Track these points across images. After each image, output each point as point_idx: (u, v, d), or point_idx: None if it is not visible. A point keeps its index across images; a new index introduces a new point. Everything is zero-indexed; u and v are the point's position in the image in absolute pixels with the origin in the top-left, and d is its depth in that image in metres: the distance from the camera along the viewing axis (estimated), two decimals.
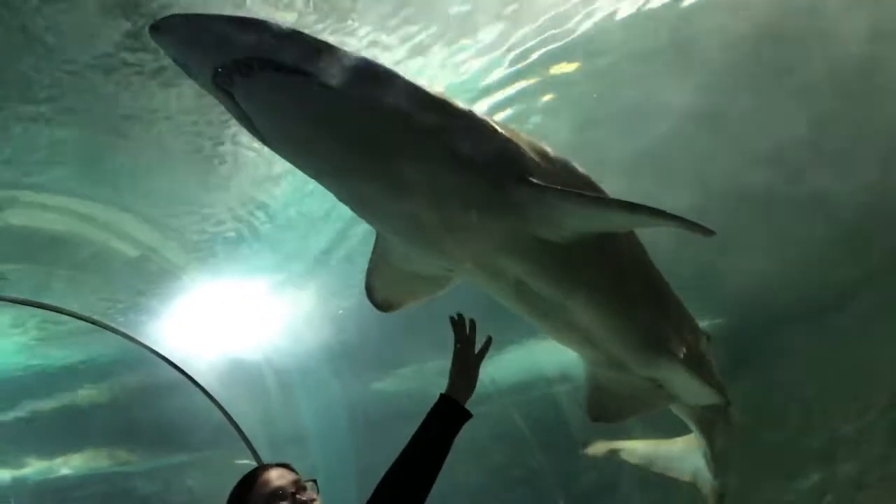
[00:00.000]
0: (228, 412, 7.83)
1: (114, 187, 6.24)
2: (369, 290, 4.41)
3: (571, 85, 6.51)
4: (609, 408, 4.90)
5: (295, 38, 3.20)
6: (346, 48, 3.31)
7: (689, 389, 4.71)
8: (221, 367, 8.15)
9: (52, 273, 7.36)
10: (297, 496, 2.68)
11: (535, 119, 6.72)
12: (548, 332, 4.42)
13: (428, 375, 9.14)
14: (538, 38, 5.89)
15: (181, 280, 7.44)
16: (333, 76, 3.18)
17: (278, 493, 2.70)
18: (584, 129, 6.75)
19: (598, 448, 6.36)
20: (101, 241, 6.91)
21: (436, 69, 5.70)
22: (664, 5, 5.96)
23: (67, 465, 11.69)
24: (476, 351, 2.97)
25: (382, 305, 4.48)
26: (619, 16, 5.92)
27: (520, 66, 6.13)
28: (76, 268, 7.17)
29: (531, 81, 6.34)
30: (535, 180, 3.53)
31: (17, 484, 11.30)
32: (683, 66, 6.46)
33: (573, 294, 4.01)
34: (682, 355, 4.51)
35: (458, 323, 3.03)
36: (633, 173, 6.97)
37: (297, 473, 2.79)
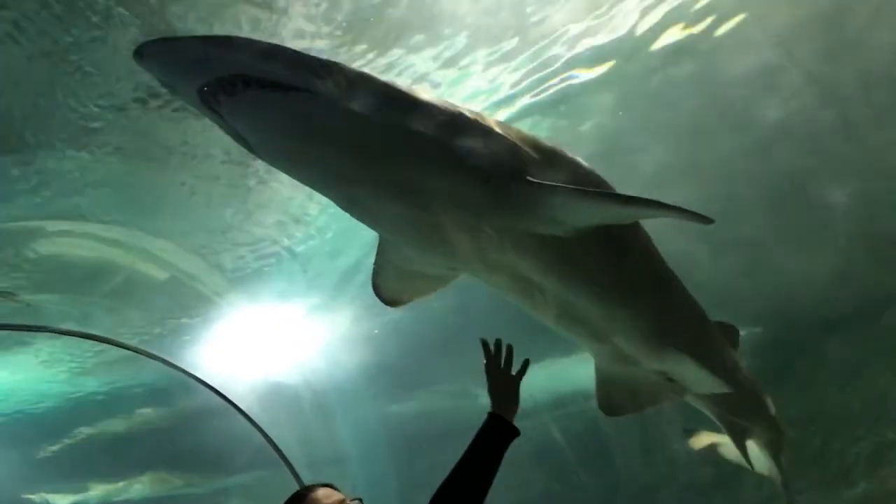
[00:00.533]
0: (269, 435, 7.90)
1: (152, 215, 6.38)
2: (376, 289, 4.46)
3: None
4: (620, 402, 4.90)
5: (275, 52, 3.24)
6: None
7: (699, 381, 4.64)
8: (260, 390, 8.24)
9: (93, 302, 7.52)
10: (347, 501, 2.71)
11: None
12: (556, 327, 4.39)
13: (464, 394, 9.16)
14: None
15: (218, 305, 7.55)
16: (318, 87, 3.20)
17: None
18: (610, 137, 6.78)
19: (702, 440, 6.32)
20: (139, 269, 7.06)
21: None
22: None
23: (109, 491, 11.85)
24: (514, 372, 3.00)
25: (390, 302, 4.54)
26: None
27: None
28: (116, 296, 7.32)
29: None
30: (531, 178, 3.49)
31: None
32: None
33: (578, 288, 4.01)
34: (690, 347, 4.45)
35: (486, 345, 3.08)
36: (660, 181, 6.99)
37: (342, 493, 2.79)
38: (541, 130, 6.54)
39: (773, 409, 5.58)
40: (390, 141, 3.36)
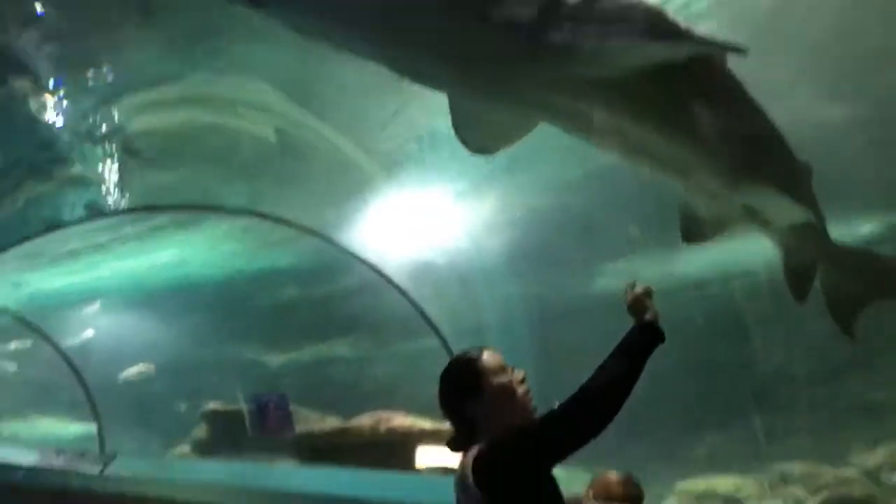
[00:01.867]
0: (421, 308, 8.59)
1: (319, 104, 6.93)
2: (464, 143, 4.69)
3: None
4: (701, 231, 5.08)
5: None
6: None
7: (781, 212, 4.73)
8: (411, 268, 8.89)
9: (262, 184, 8.26)
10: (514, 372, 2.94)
11: None
12: (638, 165, 4.52)
13: (601, 276, 9.55)
14: None
15: (374, 189, 8.14)
16: None
17: (504, 365, 2.97)
18: None
19: None
20: (307, 152, 7.70)
21: None
22: None
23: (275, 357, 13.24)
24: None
25: (480, 152, 4.77)
26: None
27: None
28: (284, 178, 8.03)
29: None
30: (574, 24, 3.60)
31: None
32: None
33: (655, 126, 4.17)
34: (774, 179, 4.61)
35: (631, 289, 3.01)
36: None
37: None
38: None
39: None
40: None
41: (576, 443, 2.76)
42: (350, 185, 8.09)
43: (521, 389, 2.98)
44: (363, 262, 8.46)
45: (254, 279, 10.69)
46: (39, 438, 14.23)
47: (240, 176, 8.23)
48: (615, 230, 7.63)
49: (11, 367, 14.90)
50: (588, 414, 2.74)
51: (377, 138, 7.68)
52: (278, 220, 8.21)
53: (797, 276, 5.55)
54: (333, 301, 11.15)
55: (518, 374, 2.99)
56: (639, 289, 2.92)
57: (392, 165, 7.95)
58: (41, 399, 14.48)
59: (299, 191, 8.18)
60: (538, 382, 3.10)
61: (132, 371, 12.51)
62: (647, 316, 2.88)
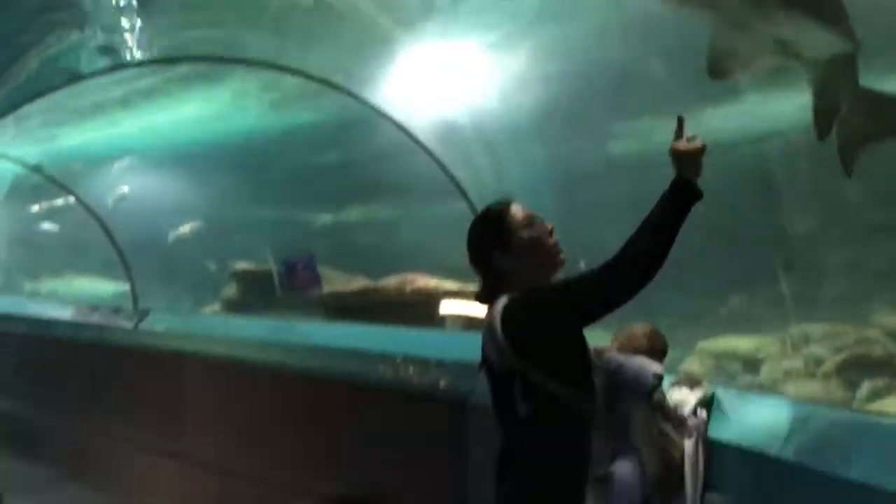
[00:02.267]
0: (451, 172, 8.52)
1: None
2: None
3: None
4: (729, 65, 5.01)
5: None
6: None
7: (816, 43, 4.62)
8: (437, 128, 8.75)
9: (286, 38, 8.01)
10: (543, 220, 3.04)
11: None
12: None
13: (634, 138, 9.33)
14: None
15: (399, 42, 7.86)
16: None
17: (533, 216, 3.04)
18: None
19: None
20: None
21: None
22: None
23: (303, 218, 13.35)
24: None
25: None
26: None
27: None
28: (308, 31, 7.76)
29: None
30: None
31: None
32: None
33: None
34: (809, 9, 4.45)
35: (681, 122, 2.94)
36: None
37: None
38: None
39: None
40: None
41: (610, 304, 2.81)
42: (375, 40, 7.83)
43: (549, 242, 3.00)
44: (392, 121, 8.32)
45: (281, 137, 10.59)
46: (75, 296, 14.69)
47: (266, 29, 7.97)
48: (650, 85, 7.35)
49: (46, 226, 15.24)
50: (626, 275, 2.73)
51: None
52: (302, 74, 8.01)
53: (824, 115, 5.45)
54: (361, 162, 11.06)
55: (546, 226, 3.02)
56: (698, 142, 2.85)
57: (420, 18, 7.63)
58: (75, 258, 14.87)
59: (322, 45, 7.94)
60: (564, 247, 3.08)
61: (163, 230, 12.72)
62: (691, 172, 2.82)
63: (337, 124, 10.01)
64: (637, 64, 7.36)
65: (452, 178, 8.57)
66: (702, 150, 2.92)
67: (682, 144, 2.94)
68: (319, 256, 10.44)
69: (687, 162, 2.86)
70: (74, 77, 7.76)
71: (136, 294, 11.65)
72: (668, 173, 2.92)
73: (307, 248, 11.15)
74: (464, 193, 8.58)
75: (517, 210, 3.03)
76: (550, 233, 3.03)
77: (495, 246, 2.94)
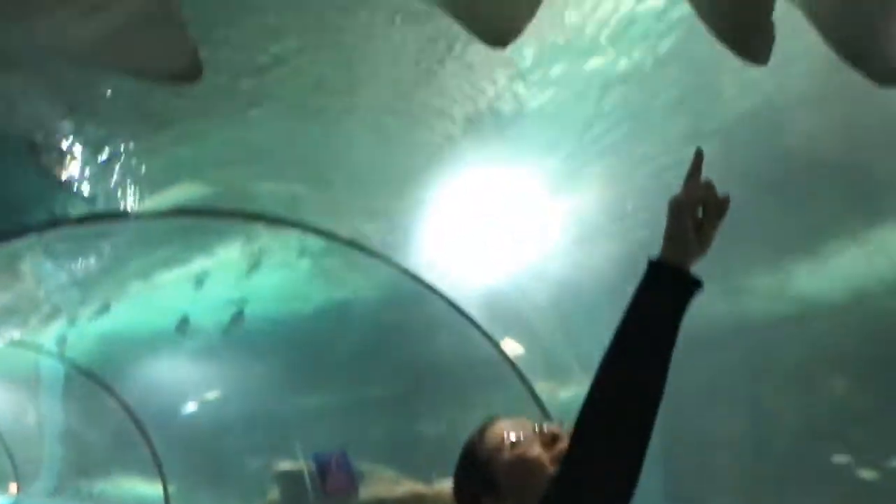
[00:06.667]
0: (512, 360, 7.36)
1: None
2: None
3: None
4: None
5: None
6: None
7: None
8: (486, 297, 7.46)
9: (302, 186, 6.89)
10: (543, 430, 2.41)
11: None
12: None
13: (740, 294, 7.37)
14: None
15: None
16: None
17: (522, 435, 2.43)
18: None
19: None
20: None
21: None
22: None
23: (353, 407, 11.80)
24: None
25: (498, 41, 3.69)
26: None
27: None
28: (326, 179, 6.60)
29: None
30: None
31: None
32: None
33: None
34: None
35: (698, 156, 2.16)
36: None
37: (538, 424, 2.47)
38: None
39: None
40: None
41: None
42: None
43: (543, 456, 2.41)
44: (442, 297, 7.20)
45: (322, 315, 9.36)
46: (119, 498, 13.59)
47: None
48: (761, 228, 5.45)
49: (88, 423, 14.35)
50: (597, 465, 2.01)
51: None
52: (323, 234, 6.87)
53: None
54: (416, 344, 9.52)
55: (544, 436, 2.44)
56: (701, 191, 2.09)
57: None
58: (115, 457, 13.81)
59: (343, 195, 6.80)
60: None
61: (198, 425, 11.54)
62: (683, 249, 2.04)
63: (385, 300, 8.72)
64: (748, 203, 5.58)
65: (514, 367, 7.36)
66: (706, 193, 2.12)
67: (689, 191, 2.10)
68: (370, 452, 9.10)
69: (681, 225, 2.06)
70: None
71: (168, 498, 10.39)
72: None
73: (356, 441, 9.77)
74: (523, 378, 7.24)
75: (493, 437, 2.48)
76: (552, 440, 2.40)
77: (485, 493, 2.52)
